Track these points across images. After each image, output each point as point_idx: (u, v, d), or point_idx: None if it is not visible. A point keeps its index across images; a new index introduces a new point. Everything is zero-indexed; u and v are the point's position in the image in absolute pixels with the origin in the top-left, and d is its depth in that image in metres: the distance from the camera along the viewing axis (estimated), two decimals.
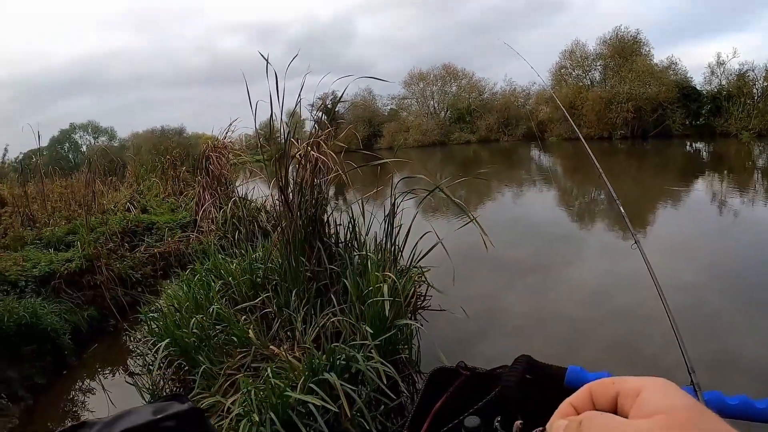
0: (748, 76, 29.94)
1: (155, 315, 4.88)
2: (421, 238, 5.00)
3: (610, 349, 4.83)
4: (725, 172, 17.29)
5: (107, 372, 5.43)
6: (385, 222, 4.99)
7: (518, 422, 1.48)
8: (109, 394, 4.78)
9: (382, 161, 5.01)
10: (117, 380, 5.19)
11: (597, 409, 0.43)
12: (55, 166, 14.41)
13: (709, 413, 0.37)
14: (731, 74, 30.87)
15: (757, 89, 29.46)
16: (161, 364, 4.21)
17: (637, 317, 5.20)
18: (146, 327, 4.90)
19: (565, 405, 0.47)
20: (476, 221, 4.47)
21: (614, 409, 0.42)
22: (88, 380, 5.28)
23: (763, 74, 29.36)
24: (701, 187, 14.33)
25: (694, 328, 4.62)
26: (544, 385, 1.60)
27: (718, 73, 31.73)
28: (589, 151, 3.12)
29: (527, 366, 1.64)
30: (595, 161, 2.99)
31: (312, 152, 4.50)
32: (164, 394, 4.03)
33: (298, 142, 4.88)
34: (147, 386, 4.19)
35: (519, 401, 1.54)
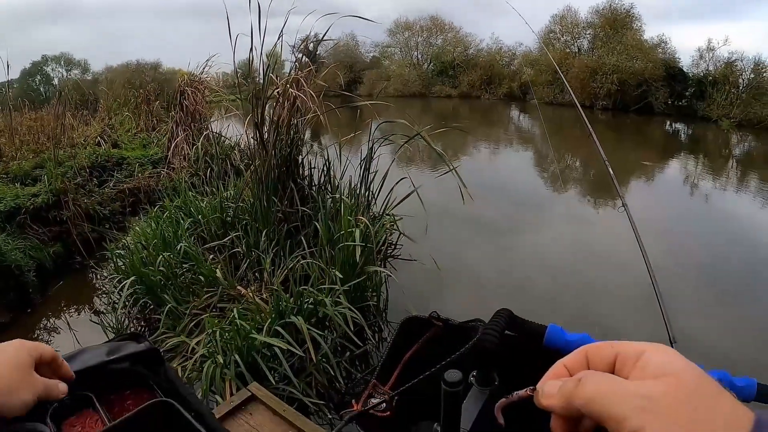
0: (736, 65, 30.10)
1: (122, 252, 4.76)
2: (397, 183, 4.93)
3: (582, 299, 4.88)
4: (701, 156, 17.45)
5: (72, 310, 5.30)
6: (361, 167, 4.89)
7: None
8: (75, 333, 4.67)
9: (362, 103, 4.87)
10: (82, 318, 5.07)
11: None
12: (26, 98, 13.90)
13: (714, 382, 0.37)
14: (719, 61, 31.00)
15: (743, 79, 29.65)
16: (126, 303, 4.12)
17: (611, 265, 5.24)
18: (112, 264, 4.78)
19: (558, 366, 0.47)
20: (455, 171, 4.40)
21: (611, 372, 0.42)
22: (53, 318, 5.14)
23: (752, 66, 29.56)
24: (675, 167, 14.42)
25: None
26: (522, 342, 1.54)
27: (707, 58, 31.84)
28: (582, 113, 3.05)
29: (508, 320, 1.57)
30: (588, 123, 2.91)
31: (291, 90, 4.33)
32: (131, 332, 3.95)
33: (277, 80, 4.71)
34: (111, 325, 4.12)
35: (497, 356, 1.48)
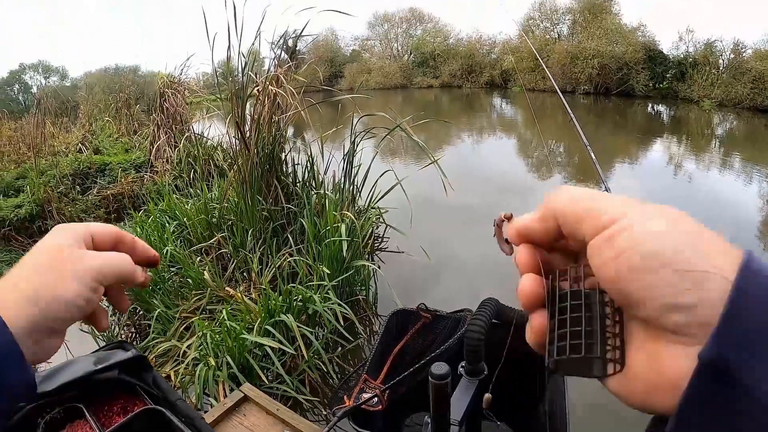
0: (716, 46, 30.46)
1: None
2: (381, 176, 4.94)
3: None
4: (683, 136, 17.58)
5: None
6: (344, 161, 4.89)
7: (488, 395, 1.44)
8: (66, 344, 4.63)
9: (343, 97, 4.86)
10: (72, 328, 5.00)
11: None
12: (4, 108, 13.75)
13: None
14: (699, 43, 31.41)
15: (723, 60, 30.03)
16: (115, 310, 4.07)
17: None
18: None
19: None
20: (437, 163, 4.41)
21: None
22: None
23: (731, 46, 29.92)
24: (658, 149, 14.52)
25: None
26: (510, 330, 1.55)
27: (687, 40, 32.24)
28: (564, 100, 3.07)
29: (494, 310, 1.58)
30: (569, 109, 2.93)
31: (271, 87, 4.31)
32: (118, 340, 3.94)
33: (257, 78, 4.69)
34: (102, 333, 4.09)
35: (485, 346, 1.50)
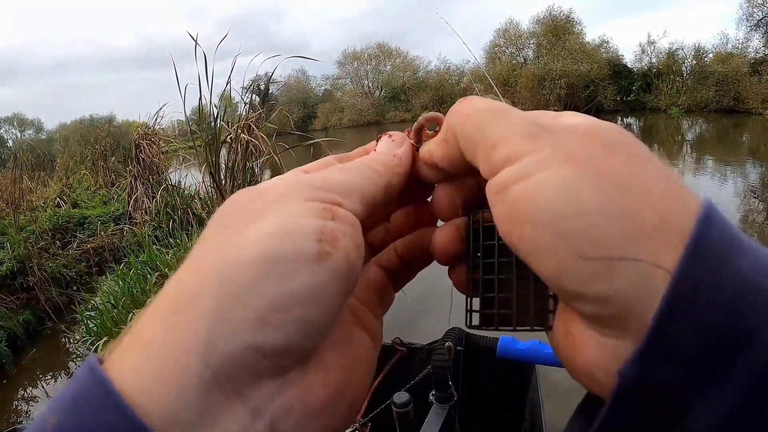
0: (678, 54, 31.49)
1: (92, 314, 4.75)
2: None
3: None
4: (654, 145, 17.94)
5: (49, 377, 5.22)
6: None
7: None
8: None
9: (314, 141, 4.98)
10: (60, 385, 4.99)
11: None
12: None
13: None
14: (661, 53, 32.55)
15: (686, 67, 31.01)
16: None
17: None
18: (84, 327, 4.75)
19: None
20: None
21: None
22: (30, 388, 5.05)
23: (692, 53, 30.92)
24: None
25: None
26: (476, 356, 1.64)
27: (649, 52, 33.37)
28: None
29: (458, 339, 1.67)
30: None
31: (243, 135, 4.42)
32: None
33: (229, 126, 4.79)
34: None
35: (451, 375, 1.58)
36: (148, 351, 0.22)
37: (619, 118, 29.52)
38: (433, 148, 0.33)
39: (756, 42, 30.35)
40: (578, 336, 0.25)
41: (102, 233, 7.80)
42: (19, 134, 45.14)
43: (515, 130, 0.26)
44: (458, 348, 1.63)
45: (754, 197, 8.95)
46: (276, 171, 5.91)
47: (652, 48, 33.25)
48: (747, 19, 30.73)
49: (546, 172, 0.24)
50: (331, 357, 0.27)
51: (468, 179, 0.33)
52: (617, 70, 33.24)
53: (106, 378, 0.21)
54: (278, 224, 0.25)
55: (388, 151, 0.34)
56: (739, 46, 30.62)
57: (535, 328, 0.30)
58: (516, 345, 1.62)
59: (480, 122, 0.28)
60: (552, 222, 0.23)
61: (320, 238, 0.24)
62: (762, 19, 30.26)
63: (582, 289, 0.22)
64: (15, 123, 46.12)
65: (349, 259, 0.25)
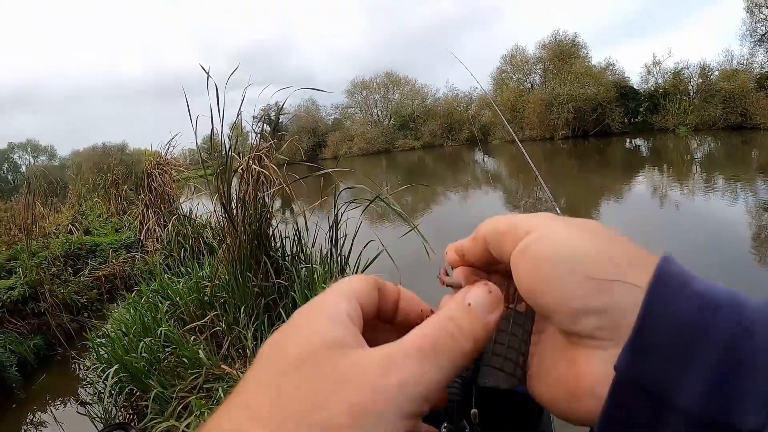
0: (683, 74, 31.58)
1: (103, 341, 4.76)
2: (364, 247, 5.03)
3: None
4: (665, 166, 17.88)
5: (58, 403, 5.26)
6: (330, 232, 5.02)
7: (474, 411, 1.52)
8: (62, 426, 4.64)
9: (324, 171, 5.02)
10: (69, 410, 5.02)
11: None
12: None
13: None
14: (667, 73, 32.59)
15: (692, 86, 31.04)
16: (112, 392, 4.09)
17: None
18: (94, 354, 4.77)
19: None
20: (417, 229, 4.53)
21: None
22: (39, 413, 5.09)
23: (698, 71, 30.97)
24: (642, 181, 14.76)
25: None
26: (488, 388, 1.65)
27: (654, 72, 33.48)
28: (524, 151, 3.22)
29: (470, 371, 1.68)
30: (530, 162, 3.09)
31: (254, 166, 4.48)
32: (116, 422, 3.95)
33: (240, 156, 4.86)
34: (99, 415, 4.10)
35: (463, 408, 1.58)
36: None
37: (628, 140, 29.52)
38: (464, 243, 0.41)
39: (761, 57, 30.55)
40: (582, 361, 0.31)
41: (114, 261, 7.87)
42: (32, 160, 45.86)
43: (532, 219, 0.35)
44: (470, 380, 1.63)
45: (767, 213, 8.92)
46: (286, 200, 5.98)
47: (658, 68, 33.39)
48: (751, 35, 30.94)
49: (555, 233, 0.33)
50: None
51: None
52: (624, 92, 33.30)
53: None
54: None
55: (481, 315, 0.34)
56: (744, 61, 30.80)
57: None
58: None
59: (507, 221, 0.36)
60: (563, 261, 0.31)
61: None
62: (766, 33, 30.41)
63: (589, 303, 0.30)
64: (29, 149, 46.87)
65: None
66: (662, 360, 0.27)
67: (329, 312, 0.32)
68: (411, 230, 4.61)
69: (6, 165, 46.49)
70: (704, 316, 0.27)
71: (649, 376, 0.27)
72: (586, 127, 32.86)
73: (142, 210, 8.64)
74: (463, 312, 0.33)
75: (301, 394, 0.27)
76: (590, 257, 0.31)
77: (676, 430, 0.26)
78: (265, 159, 4.61)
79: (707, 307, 0.27)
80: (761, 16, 30.61)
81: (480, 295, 0.34)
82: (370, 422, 0.26)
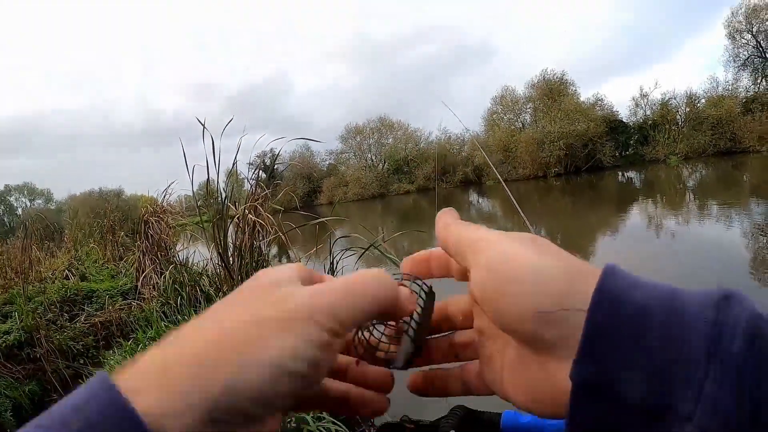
0: (671, 103, 32.15)
1: None
2: None
3: None
4: (657, 196, 17.98)
5: None
6: None
7: None
8: None
9: (320, 220, 5.10)
10: None
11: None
12: None
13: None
14: (654, 104, 33.23)
15: (680, 115, 31.56)
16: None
17: None
18: None
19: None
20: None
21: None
22: None
23: (685, 100, 31.55)
24: (636, 214, 14.84)
25: None
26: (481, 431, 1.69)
27: (642, 105, 34.17)
28: (509, 194, 3.29)
29: (463, 416, 1.72)
30: (514, 202, 3.15)
31: (249, 216, 4.57)
32: None
33: (236, 203, 4.94)
34: None
35: None
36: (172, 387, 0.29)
37: (620, 174, 29.69)
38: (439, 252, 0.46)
39: (745, 81, 31.27)
40: (554, 367, 0.32)
41: (110, 307, 7.83)
42: (28, 203, 45.83)
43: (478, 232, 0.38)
44: (462, 425, 1.68)
45: (762, 235, 9.01)
46: (282, 248, 6.04)
47: (646, 100, 33.98)
48: (734, 60, 31.61)
49: (504, 244, 0.35)
50: None
51: None
52: (613, 126, 33.73)
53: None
54: (282, 345, 0.31)
55: (401, 292, 0.41)
56: (730, 87, 31.42)
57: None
58: (519, 419, 1.66)
59: (459, 235, 0.40)
60: (519, 281, 0.33)
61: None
62: (748, 58, 31.07)
63: (543, 333, 0.32)
64: (25, 192, 46.88)
65: None
66: (608, 362, 0.29)
67: (279, 268, 0.38)
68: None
69: (2, 207, 46.46)
70: (638, 321, 0.29)
71: (603, 378, 0.29)
72: (577, 163, 33.13)
73: (139, 257, 8.64)
74: (389, 279, 0.39)
75: (246, 308, 0.34)
76: (539, 267, 0.32)
77: (633, 424, 0.28)
78: (260, 209, 4.70)
79: (644, 311, 0.29)
80: (742, 41, 31.41)
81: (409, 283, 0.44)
82: (297, 326, 0.32)
